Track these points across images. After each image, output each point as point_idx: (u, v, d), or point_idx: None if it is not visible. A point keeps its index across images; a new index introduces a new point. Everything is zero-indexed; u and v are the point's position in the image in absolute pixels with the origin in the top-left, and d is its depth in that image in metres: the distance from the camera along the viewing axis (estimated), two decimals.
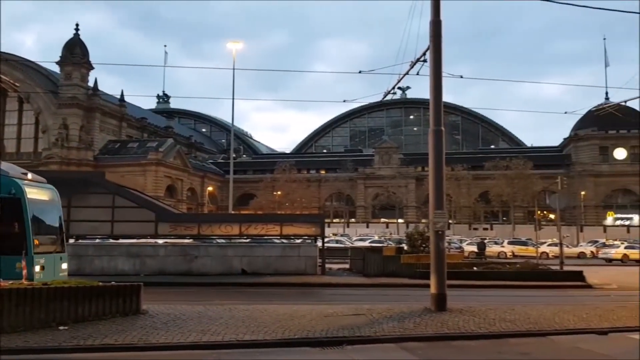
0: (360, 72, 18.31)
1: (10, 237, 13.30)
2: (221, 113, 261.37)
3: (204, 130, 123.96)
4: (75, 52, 73.72)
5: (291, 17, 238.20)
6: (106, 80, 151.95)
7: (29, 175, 13.98)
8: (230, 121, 40.49)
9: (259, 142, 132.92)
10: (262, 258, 23.29)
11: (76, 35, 75.53)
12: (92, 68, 75.26)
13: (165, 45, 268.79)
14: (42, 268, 13.35)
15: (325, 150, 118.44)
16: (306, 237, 24.96)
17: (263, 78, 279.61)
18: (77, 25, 76.00)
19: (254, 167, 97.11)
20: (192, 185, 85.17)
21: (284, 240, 25.57)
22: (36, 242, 13.22)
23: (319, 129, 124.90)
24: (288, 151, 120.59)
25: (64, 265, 14.63)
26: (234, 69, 36.87)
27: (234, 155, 63.19)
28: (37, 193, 13.95)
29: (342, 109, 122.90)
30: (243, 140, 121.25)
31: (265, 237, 24.52)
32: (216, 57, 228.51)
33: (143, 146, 77.60)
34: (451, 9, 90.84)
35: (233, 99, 37.70)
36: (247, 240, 24.97)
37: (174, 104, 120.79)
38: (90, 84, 76.07)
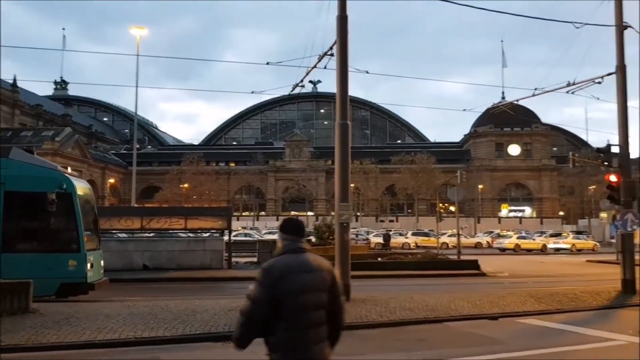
0: (267, 63, 18.22)
1: (63, 233, 13.02)
2: (125, 102, 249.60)
3: (105, 119, 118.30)
4: None
5: (200, 4, 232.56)
6: None
7: (69, 169, 13.54)
8: (134, 110, 38.78)
9: (165, 133, 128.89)
10: (166, 252, 22.65)
11: None
12: None
13: (63, 29, 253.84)
14: (92, 266, 12.92)
15: (235, 143, 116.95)
16: (213, 231, 24.56)
17: (170, 66, 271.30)
18: None
19: (159, 158, 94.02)
20: (92, 177, 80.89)
21: (191, 234, 25.02)
22: (85, 239, 12.86)
23: (229, 120, 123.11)
24: (196, 143, 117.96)
25: (102, 263, 14.22)
26: (137, 55, 35.36)
27: (138, 146, 60.83)
28: (81, 189, 13.49)
29: (253, 100, 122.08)
30: (148, 131, 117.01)
31: (171, 231, 23.86)
32: (120, 43, 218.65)
33: (38, 135, 72.76)
34: (361, 6, 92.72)
35: (137, 87, 36.24)
36: (151, 234, 24.18)
37: (73, 90, 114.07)
38: None
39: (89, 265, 12.72)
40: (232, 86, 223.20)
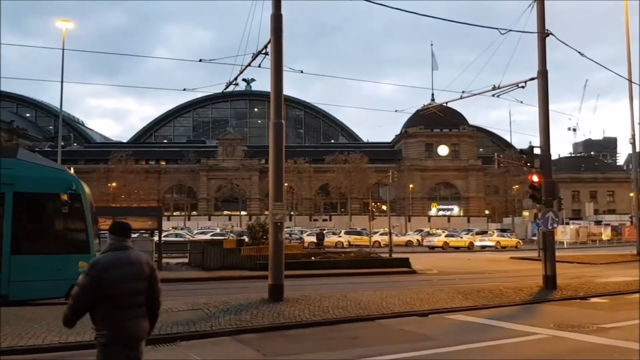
0: (200, 60, 17.78)
1: (72, 234, 13.03)
2: (49, 97, 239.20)
3: (28, 115, 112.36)
4: None
5: None
6: None
7: (72, 170, 13.02)
8: (59, 106, 36.99)
9: (92, 130, 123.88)
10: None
11: None
12: None
13: None
14: None
15: (166, 141, 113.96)
16: (143, 231, 23.87)
17: (99, 61, 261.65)
18: None
19: (86, 156, 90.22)
20: None
21: None
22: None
23: (159, 117, 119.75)
24: (125, 140, 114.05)
25: None
26: (63, 49, 33.69)
27: (63, 144, 58.13)
28: (86, 189, 13.32)
29: (185, 98, 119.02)
30: (74, 128, 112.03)
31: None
32: (44, 36, 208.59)
33: None
34: (297, 5, 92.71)
35: (62, 81, 34.45)
36: None
37: None
38: None
39: None
40: (163, 83, 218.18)
